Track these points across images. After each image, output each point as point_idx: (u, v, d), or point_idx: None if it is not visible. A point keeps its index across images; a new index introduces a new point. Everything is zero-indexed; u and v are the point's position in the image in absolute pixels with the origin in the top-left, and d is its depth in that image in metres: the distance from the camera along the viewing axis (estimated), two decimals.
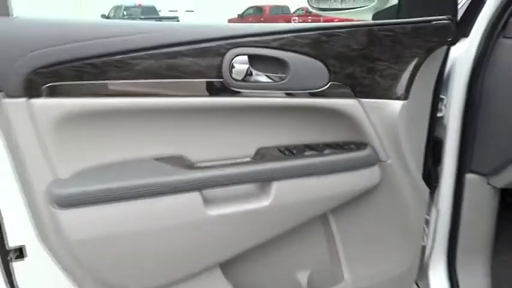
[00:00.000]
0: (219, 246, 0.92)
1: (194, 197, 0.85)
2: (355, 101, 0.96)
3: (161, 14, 18.59)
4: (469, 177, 1.19)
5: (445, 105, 1.15)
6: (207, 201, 0.88)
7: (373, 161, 1.02)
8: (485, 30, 1.09)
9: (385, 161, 1.03)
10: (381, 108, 0.97)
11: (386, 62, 0.95)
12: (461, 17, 1.13)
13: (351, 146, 1.03)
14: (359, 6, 1.22)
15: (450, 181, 1.21)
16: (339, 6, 1.27)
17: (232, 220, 0.90)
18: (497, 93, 1.11)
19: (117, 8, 17.86)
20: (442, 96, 1.15)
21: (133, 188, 0.80)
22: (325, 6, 1.34)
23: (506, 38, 1.10)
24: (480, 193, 1.21)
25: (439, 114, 1.16)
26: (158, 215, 0.83)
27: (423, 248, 1.31)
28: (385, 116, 0.98)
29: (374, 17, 1.28)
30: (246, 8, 18.77)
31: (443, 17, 0.96)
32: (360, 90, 0.96)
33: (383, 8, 1.22)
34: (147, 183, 0.81)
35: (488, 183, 1.20)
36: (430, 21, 0.95)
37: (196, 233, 0.87)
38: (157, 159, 0.90)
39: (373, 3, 1.21)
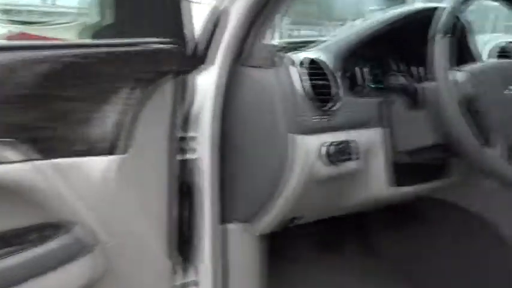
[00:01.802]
0: None
1: None
2: (37, 164, 0.68)
3: None
4: (231, 227, 1.06)
5: (197, 146, 0.98)
6: None
7: (86, 246, 0.77)
8: (224, 57, 0.97)
9: (106, 243, 0.79)
10: (80, 169, 0.73)
11: (80, 101, 0.70)
12: (207, 43, 0.99)
13: (46, 231, 0.73)
14: (63, 22, 0.89)
15: (212, 233, 1.03)
16: (38, 20, 0.91)
17: None
18: (241, 130, 1.02)
19: None
20: (194, 135, 0.98)
21: None
22: (17, 18, 0.94)
23: (245, 66, 1.01)
24: (244, 242, 1.10)
25: (193, 156, 0.99)
26: None
27: None
28: (89, 181, 0.73)
29: (94, 37, 0.97)
30: None
31: (167, 39, 0.77)
32: (38, 148, 0.68)
33: (103, 25, 0.93)
34: None
35: (249, 231, 1.10)
36: (146, 43, 0.73)
37: None
38: None
39: (83, 19, 0.91)
